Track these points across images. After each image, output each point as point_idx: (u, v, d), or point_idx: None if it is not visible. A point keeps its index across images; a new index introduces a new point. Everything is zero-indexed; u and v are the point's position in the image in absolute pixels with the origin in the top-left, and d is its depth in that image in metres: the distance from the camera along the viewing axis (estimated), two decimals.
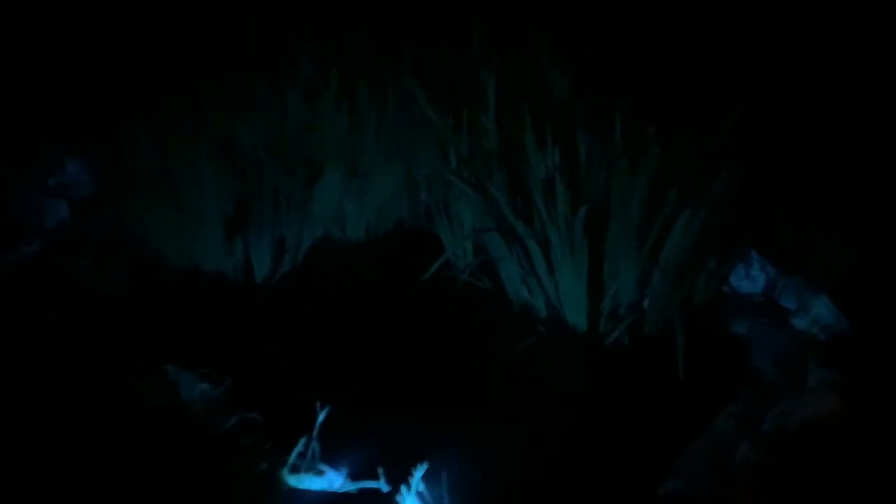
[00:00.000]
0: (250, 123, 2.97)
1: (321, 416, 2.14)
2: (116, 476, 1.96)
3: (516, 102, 2.77)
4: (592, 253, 2.57)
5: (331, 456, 2.13)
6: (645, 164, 2.50)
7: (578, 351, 2.60)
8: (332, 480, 2.08)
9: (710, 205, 2.57)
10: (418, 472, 2.02)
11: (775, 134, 2.87)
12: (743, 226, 2.72)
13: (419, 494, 2.01)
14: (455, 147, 2.89)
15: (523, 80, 3.00)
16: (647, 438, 2.30)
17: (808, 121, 2.85)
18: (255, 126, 2.99)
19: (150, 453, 2.02)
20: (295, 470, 2.08)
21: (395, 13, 3.36)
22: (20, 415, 2.13)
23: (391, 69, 3.13)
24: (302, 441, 2.10)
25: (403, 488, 2.03)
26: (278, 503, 1.99)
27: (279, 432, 2.17)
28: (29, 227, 2.87)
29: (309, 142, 3.03)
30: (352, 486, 2.09)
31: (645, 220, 2.54)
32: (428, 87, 3.01)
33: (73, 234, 2.92)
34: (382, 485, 2.06)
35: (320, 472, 2.08)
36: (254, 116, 2.98)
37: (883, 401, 2.18)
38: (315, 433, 2.12)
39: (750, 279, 2.79)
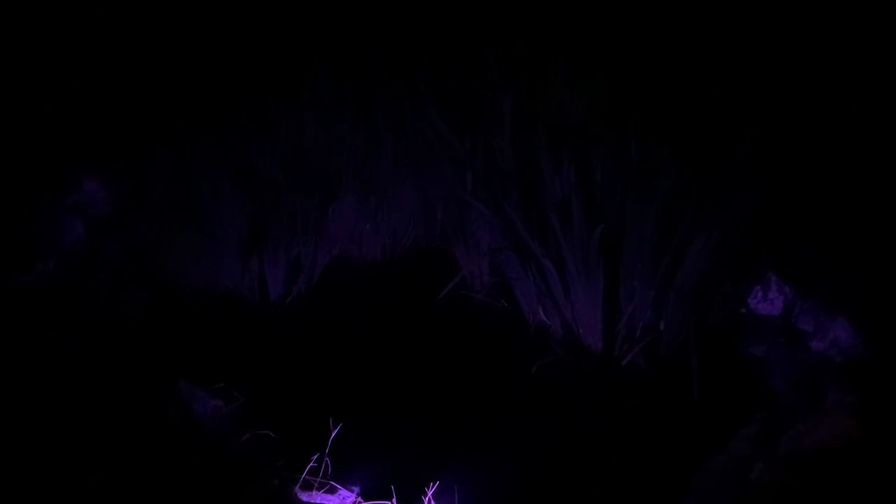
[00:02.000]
0: (268, 145, 3.00)
1: (333, 434, 2.14)
2: (127, 493, 1.96)
3: (532, 124, 2.78)
4: (608, 274, 2.56)
5: (343, 473, 2.13)
6: (660, 185, 2.51)
7: (594, 372, 2.59)
8: (344, 498, 2.08)
9: (726, 227, 2.57)
10: (430, 491, 2.02)
11: (793, 156, 2.87)
12: (761, 248, 2.70)
13: None
14: (471, 168, 2.90)
15: (539, 103, 3.02)
16: (662, 460, 2.28)
17: (827, 143, 2.84)
18: (272, 148, 3.02)
19: (161, 469, 2.02)
20: (307, 487, 2.07)
21: (412, 37, 3.39)
22: (35, 432, 2.14)
23: (408, 91, 3.15)
24: (314, 458, 2.10)
25: None
26: None
27: (291, 449, 2.17)
28: (46, 245, 2.89)
29: (326, 164, 3.06)
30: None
31: (661, 241, 2.54)
32: (444, 109, 3.04)
33: (91, 252, 2.94)
34: (394, 503, 2.05)
35: (332, 490, 2.08)
36: (271, 138, 3.01)
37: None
38: (327, 450, 2.12)
39: (768, 301, 2.77)
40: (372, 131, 3.07)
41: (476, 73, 3.24)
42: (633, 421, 2.42)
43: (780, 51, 3.10)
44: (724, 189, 2.62)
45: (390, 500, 2.06)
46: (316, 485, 2.08)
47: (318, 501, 2.05)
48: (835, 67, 3.00)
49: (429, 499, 2.02)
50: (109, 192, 3.15)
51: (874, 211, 2.76)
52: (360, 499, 2.08)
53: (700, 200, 2.57)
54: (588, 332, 2.62)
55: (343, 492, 2.08)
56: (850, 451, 2.08)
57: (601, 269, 2.53)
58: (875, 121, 2.89)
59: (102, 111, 3.26)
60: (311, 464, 2.10)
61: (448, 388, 2.53)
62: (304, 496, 2.06)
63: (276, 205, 2.92)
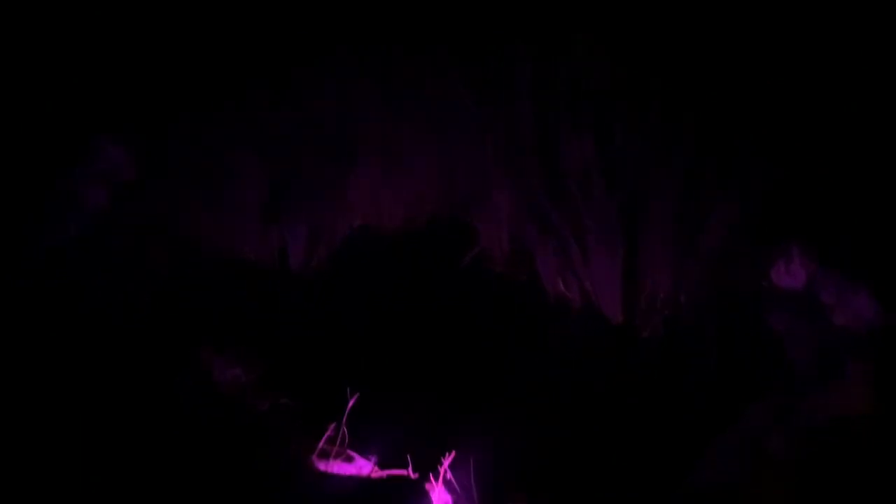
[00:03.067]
0: (288, 112, 2.98)
1: (350, 403, 2.14)
2: (144, 460, 1.98)
3: (553, 91, 2.75)
4: (628, 244, 2.55)
5: (360, 442, 2.14)
6: (682, 154, 2.48)
7: (613, 343, 2.58)
8: (361, 467, 2.09)
9: (748, 197, 2.55)
10: (446, 461, 2.02)
11: (818, 129, 2.82)
12: (784, 220, 2.67)
13: (447, 482, 2.01)
14: (493, 136, 2.88)
15: (561, 70, 2.98)
16: (680, 429, 2.27)
17: (852, 117, 2.79)
18: (293, 114, 3.00)
19: (178, 437, 2.04)
20: (324, 455, 2.08)
21: (436, 2, 3.35)
22: (55, 395, 2.16)
23: (430, 58, 3.12)
24: (331, 427, 2.11)
25: (432, 476, 2.02)
26: (308, 488, 2.00)
27: (310, 418, 2.18)
28: (71, 209, 2.90)
29: (346, 130, 3.04)
30: (380, 473, 2.10)
31: (682, 211, 2.52)
32: (467, 76, 3.01)
33: (114, 217, 2.95)
34: (410, 472, 2.05)
35: (349, 458, 2.09)
36: (293, 105, 2.99)
37: None
38: (344, 419, 2.13)
39: (790, 274, 2.74)
40: (394, 98, 3.04)
41: (500, 41, 3.20)
42: (650, 392, 2.41)
43: (809, 17, 3.04)
44: (748, 158, 2.58)
45: (406, 468, 2.07)
46: (333, 453, 2.10)
47: (335, 470, 2.07)
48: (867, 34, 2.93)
49: (445, 468, 2.02)
50: (133, 160, 3.15)
51: None
52: (376, 467, 2.09)
53: (723, 169, 2.54)
54: (608, 302, 2.61)
55: (360, 460, 2.09)
56: (866, 422, 2.07)
57: (621, 239, 2.50)
58: None
59: (126, 79, 3.25)
60: (329, 433, 2.11)
61: (465, 360, 2.52)
62: (321, 465, 2.07)
63: (296, 172, 2.91)
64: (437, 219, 3.16)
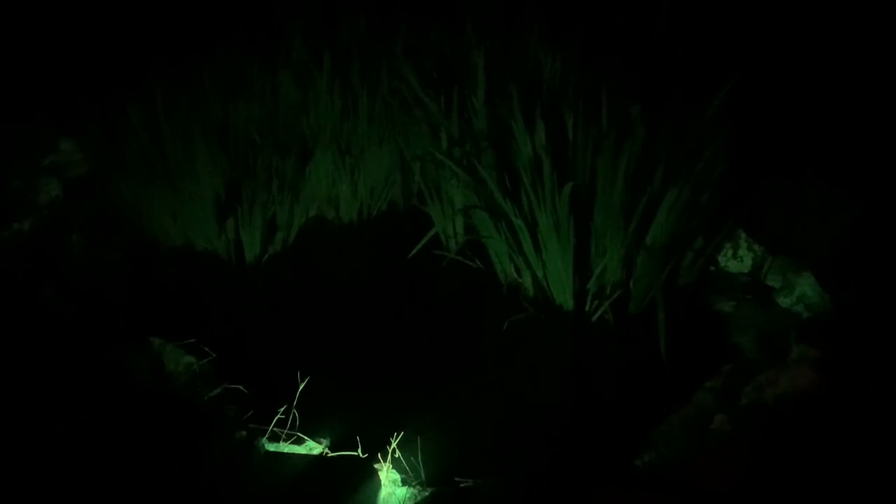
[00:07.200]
0: (243, 104, 3.00)
1: (301, 387, 2.17)
2: (94, 444, 1.99)
3: (505, 83, 2.79)
4: (579, 232, 2.59)
5: (311, 426, 2.17)
6: (630, 143, 2.53)
7: (564, 328, 2.63)
8: (311, 449, 2.11)
9: (696, 184, 2.60)
10: (394, 441, 2.06)
11: (763, 115, 2.89)
12: (731, 206, 2.73)
13: (395, 461, 2.05)
14: (446, 128, 2.92)
15: (513, 62, 3.03)
16: (628, 412, 2.32)
17: (797, 102, 2.86)
18: (248, 107, 3.02)
19: (130, 422, 2.06)
20: (274, 438, 2.11)
21: None
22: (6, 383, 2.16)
23: (384, 51, 3.16)
24: (281, 411, 2.14)
25: (380, 456, 2.06)
26: (256, 468, 2.02)
27: (262, 403, 2.21)
28: (22, 205, 2.90)
29: (302, 123, 3.07)
30: (330, 454, 2.13)
31: (631, 199, 2.57)
32: (420, 69, 3.05)
33: (67, 212, 2.96)
34: (359, 453, 2.08)
35: (300, 441, 2.12)
36: (247, 97, 3.01)
37: (861, 377, 2.20)
38: (294, 403, 2.16)
39: (737, 259, 2.81)
40: (349, 91, 3.07)
41: (453, 34, 3.24)
42: (600, 375, 2.47)
43: (755, 11, 3.11)
44: (695, 147, 2.64)
45: (356, 451, 2.10)
46: (283, 436, 2.12)
47: (284, 452, 2.09)
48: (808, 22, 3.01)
49: (393, 448, 2.06)
50: (87, 154, 3.16)
51: (844, 168, 2.79)
52: (327, 450, 2.12)
53: (671, 158, 2.59)
54: (559, 289, 2.65)
55: (310, 443, 2.12)
56: (808, 403, 2.13)
57: (571, 228, 2.55)
58: (849, 79, 2.91)
59: (78, 70, 3.25)
60: (279, 416, 2.14)
61: (418, 345, 2.57)
62: (271, 447, 2.10)
63: (251, 164, 2.93)
64: (394, 209, 3.21)
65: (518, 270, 2.74)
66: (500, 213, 2.69)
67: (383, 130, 3.12)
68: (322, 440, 2.14)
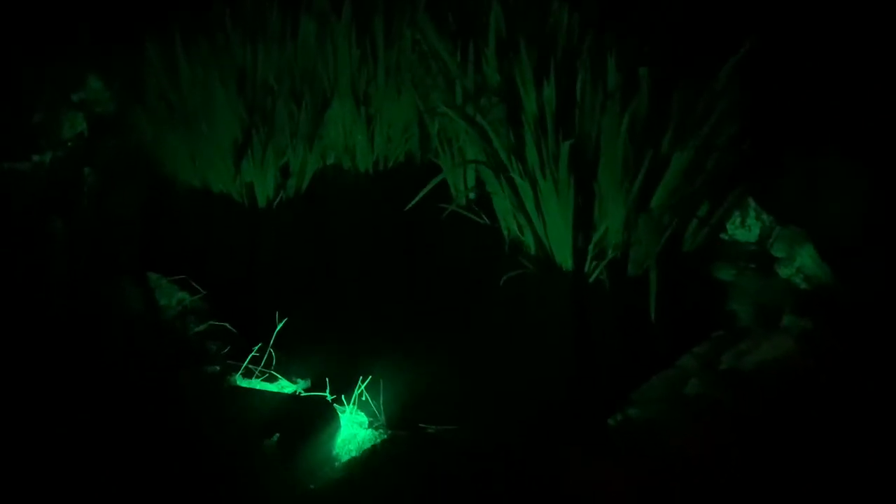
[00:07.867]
0: (263, 50, 3.04)
1: (279, 327, 2.23)
2: (76, 369, 2.07)
3: (517, 39, 2.77)
4: (581, 192, 2.58)
5: (288, 366, 2.22)
6: (636, 102, 2.50)
7: (560, 287, 2.63)
8: (283, 387, 2.17)
9: (704, 148, 2.57)
10: (362, 384, 2.10)
11: (783, 83, 2.83)
12: (743, 174, 2.69)
13: (363, 404, 2.09)
14: (462, 82, 2.92)
15: (532, 18, 3.00)
16: (611, 373, 2.33)
17: (813, 69, 2.79)
18: (267, 53, 3.05)
19: (113, 351, 2.13)
20: (248, 375, 2.17)
21: None
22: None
23: (405, 2, 3.15)
24: (256, 348, 2.20)
25: (344, 397, 2.11)
26: (223, 401, 2.08)
27: (245, 342, 2.27)
28: (46, 139, 2.99)
29: (320, 71, 3.09)
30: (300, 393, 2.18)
31: (636, 161, 2.55)
32: (440, 21, 3.04)
33: (89, 148, 3.04)
34: (327, 393, 2.13)
35: (273, 379, 2.17)
36: (266, 44, 3.04)
37: (850, 351, 2.18)
38: (271, 342, 2.21)
39: (745, 227, 2.77)
40: (368, 40, 3.08)
41: None
42: (589, 335, 2.47)
43: None
44: (705, 111, 2.60)
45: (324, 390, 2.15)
46: (256, 373, 2.18)
47: (255, 388, 2.15)
48: None
49: (361, 391, 2.11)
50: (113, 91, 3.23)
51: (858, 140, 2.73)
52: (300, 390, 2.17)
53: (680, 122, 2.56)
54: (559, 248, 2.66)
55: (283, 381, 2.18)
56: (786, 373, 2.11)
57: (571, 187, 2.54)
58: (863, 47, 2.83)
59: (113, 8, 3.31)
60: (254, 353, 2.19)
61: (411, 295, 2.61)
62: (243, 382, 2.16)
63: (268, 111, 2.97)
64: (410, 160, 3.23)
65: (520, 228, 2.75)
66: (503, 169, 2.69)
67: (403, 82, 3.12)
68: (298, 380, 2.19)
